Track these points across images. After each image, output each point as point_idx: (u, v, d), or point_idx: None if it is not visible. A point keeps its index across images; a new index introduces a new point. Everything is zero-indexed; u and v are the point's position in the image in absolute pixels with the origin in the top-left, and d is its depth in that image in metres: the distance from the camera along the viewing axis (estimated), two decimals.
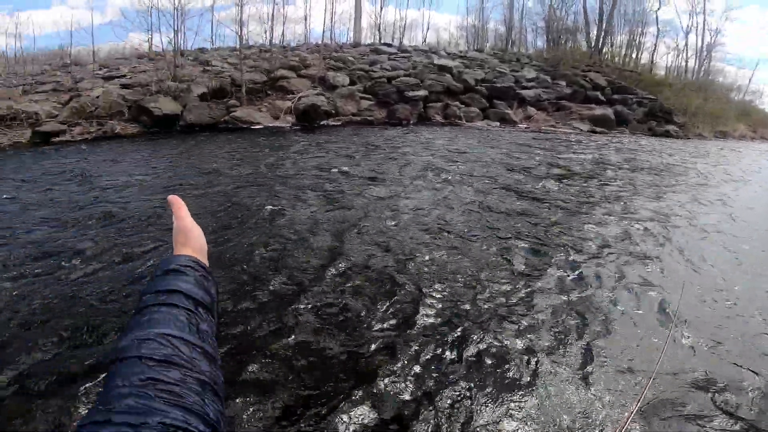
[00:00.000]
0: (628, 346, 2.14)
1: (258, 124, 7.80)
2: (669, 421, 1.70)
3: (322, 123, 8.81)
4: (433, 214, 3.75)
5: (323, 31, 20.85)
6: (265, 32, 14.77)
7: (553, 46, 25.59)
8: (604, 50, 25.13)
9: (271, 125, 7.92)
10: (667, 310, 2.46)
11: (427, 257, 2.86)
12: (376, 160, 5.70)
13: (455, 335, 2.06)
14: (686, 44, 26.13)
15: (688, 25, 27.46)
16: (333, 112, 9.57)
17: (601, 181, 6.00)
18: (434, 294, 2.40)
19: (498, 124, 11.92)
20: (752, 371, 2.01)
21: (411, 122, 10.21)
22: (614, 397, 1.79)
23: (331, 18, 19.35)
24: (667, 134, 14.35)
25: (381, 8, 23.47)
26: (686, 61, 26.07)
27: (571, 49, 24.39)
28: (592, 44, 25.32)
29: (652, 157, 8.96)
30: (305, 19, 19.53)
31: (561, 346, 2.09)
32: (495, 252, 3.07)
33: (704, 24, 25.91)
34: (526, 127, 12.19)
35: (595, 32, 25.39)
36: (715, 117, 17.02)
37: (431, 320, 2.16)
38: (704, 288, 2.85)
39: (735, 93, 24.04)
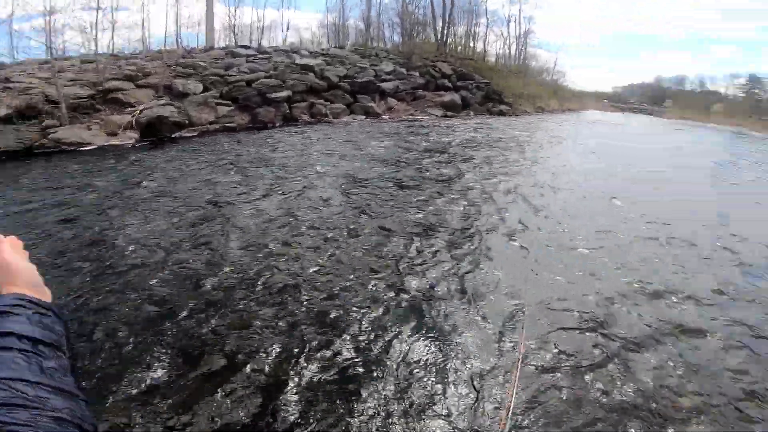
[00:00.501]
0: (487, 338, 2.34)
1: (89, 144, 6.78)
2: (544, 405, 1.88)
3: (174, 135, 8.13)
4: (305, 213, 4.00)
5: (165, 37, 18.79)
6: (88, 41, 12.62)
7: (408, 40, 27.96)
8: (448, 41, 28.50)
9: (107, 144, 6.97)
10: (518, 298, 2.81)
11: (289, 258, 3.11)
12: (239, 167, 5.61)
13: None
14: (508, 32, 31.23)
15: (508, 15, 32.57)
16: (186, 122, 8.88)
17: (458, 156, 7.15)
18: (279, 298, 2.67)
19: (363, 117, 12.68)
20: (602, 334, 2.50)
21: (277, 124, 10.15)
22: (489, 393, 1.93)
23: (176, 22, 17.55)
24: (501, 113, 17.30)
25: (236, 9, 22.17)
26: (509, 48, 31.20)
27: (422, 42, 27.02)
28: (439, 36, 28.51)
29: (493, 132, 10.83)
30: (143, 25, 17.28)
31: (422, 346, 2.22)
32: (362, 248, 3.48)
33: (520, 13, 31.27)
34: (389, 118, 13.26)
35: (440, 25, 28.61)
36: (534, 96, 21.14)
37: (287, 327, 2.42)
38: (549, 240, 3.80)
39: (546, 74, 30.01)
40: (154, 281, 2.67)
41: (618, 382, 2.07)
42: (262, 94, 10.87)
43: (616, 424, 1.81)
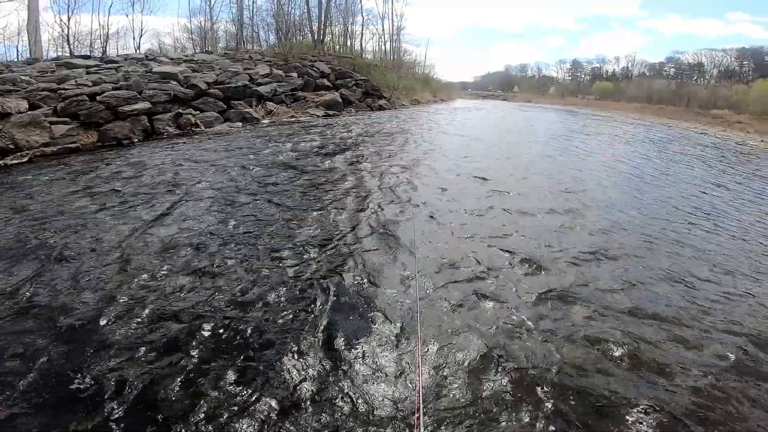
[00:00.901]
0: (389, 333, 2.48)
1: None
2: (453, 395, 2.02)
3: None
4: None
5: None
6: None
7: (284, 40, 27.40)
8: (325, 40, 28.81)
9: None
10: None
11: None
12: (78, 206, 4.88)
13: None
14: (383, 29, 32.99)
15: (382, 12, 34.23)
16: (11, 147, 7.43)
17: (342, 152, 7.42)
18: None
19: (241, 124, 12.19)
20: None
21: (135, 140, 9.13)
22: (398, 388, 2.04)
23: None
24: (381, 108, 18.36)
25: (69, 17, 18.83)
26: (385, 44, 33.06)
27: (299, 43, 26.81)
28: (316, 36, 28.59)
29: (380, 125, 11.46)
30: None
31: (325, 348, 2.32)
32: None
33: (392, 10, 33.23)
34: (269, 123, 12.99)
35: (316, 24, 28.65)
36: (409, 89, 22.87)
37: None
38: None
39: (418, 68, 32.67)
40: None
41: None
42: (111, 108, 9.63)
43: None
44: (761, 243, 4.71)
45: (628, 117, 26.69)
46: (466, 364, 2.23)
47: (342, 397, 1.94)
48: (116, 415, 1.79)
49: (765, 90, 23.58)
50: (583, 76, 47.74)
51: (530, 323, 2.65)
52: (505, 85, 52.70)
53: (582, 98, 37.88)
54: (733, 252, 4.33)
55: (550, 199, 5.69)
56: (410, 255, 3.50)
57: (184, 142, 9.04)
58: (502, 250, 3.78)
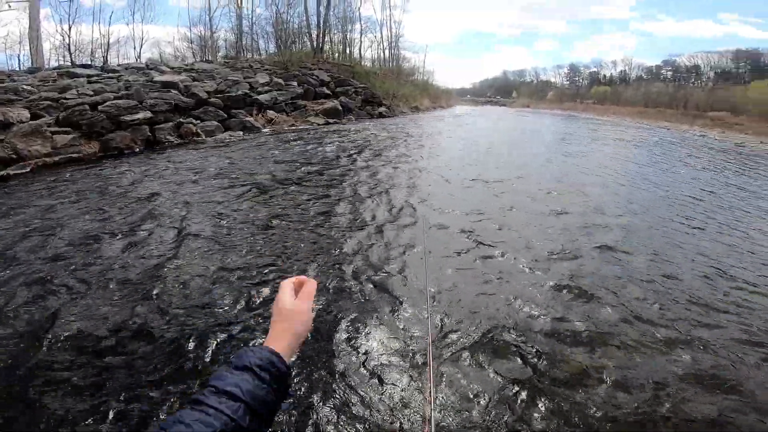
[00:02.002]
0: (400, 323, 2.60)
1: None
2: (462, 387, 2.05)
3: None
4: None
5: None
6: None
7: (283, 49, 27.59)
8: (325, 49, 29.01)
9: None
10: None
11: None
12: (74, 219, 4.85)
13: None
14: (382, 36, 33.20)
15: (381, 20, 34.43)
16: (13, 156, 7.44)
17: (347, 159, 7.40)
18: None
19: (242, 133, 12.22)
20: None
21: (137, 150, 9.15)
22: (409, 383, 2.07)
23: None
24: (381, 115, 18.43)
25: (70, 26, 19.05)
26: (383, 52, 33.25)
27: (298, 51, 27.01)
28: (315, 44, 28.80)
29: (383, 131, 11.48)
30: None
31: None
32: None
33: (390, 17, 33.48)
34: (270, 131, 13.03)
35: (315, 33, 28.87)
36: (408, 96, 22.99)
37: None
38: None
39: (417, 75, 32.88)
40: None
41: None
42: (113, 117, 9.66)
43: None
44: None
45: (628, 121, 26.84)
46: None
47: None
48: None
49: (763, 91, 23.64)
50: (581, 80, 48.07)
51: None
52: (503, 91, 53.05)
53: (581, 102, 38.09)
54: None
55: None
56: None
57: (185, 151, 9.05)
58: None
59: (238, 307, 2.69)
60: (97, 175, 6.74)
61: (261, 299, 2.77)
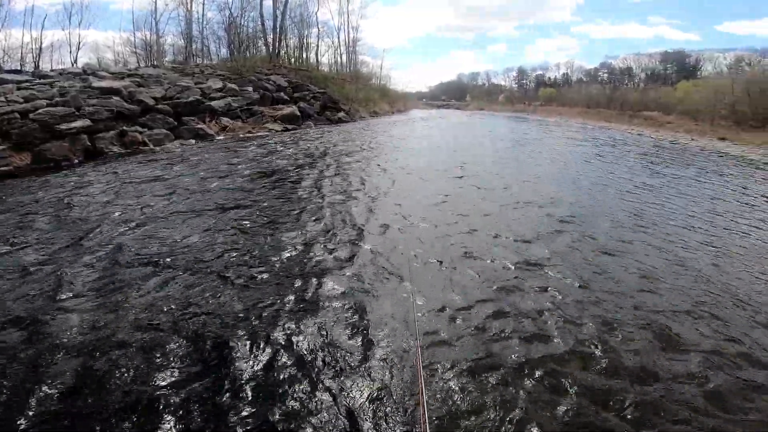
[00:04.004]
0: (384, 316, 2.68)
1: None
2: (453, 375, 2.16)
3: None
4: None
5: None
6: None
7: (237, 54, 26.74)
8: (281, 53, 28.46)
9: None
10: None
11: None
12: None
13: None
14: (339, 41, 33.04)
15: (338, 25, 34.23)
16: None
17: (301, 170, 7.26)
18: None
19: (194, 141, 11.73)
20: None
21: (76, 161, 8.50)
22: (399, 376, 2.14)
23: None
24: (340, 120, 18.42)
25: None
26: (341, 56, 33.14)
27: (253, 56, 26.31)
28: (271, 49, 28.17)
29: (338, 136, 11.40)
30: None
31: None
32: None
33: (348, 22, 33.30)
34: (224, 139, 12.60)
35: (271, 37, 28.20)
36: (367, 101, 23.17)
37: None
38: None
39: (375, 79, 33.19)
40: None
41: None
42: (47, 126, 8.92)
43: None
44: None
45: (573, 121, 28.67)
46: None
47: None
48: None
49: (688, 92, 26.17)
50: (528, 83, 50.95)
51: None
52: (458, 94, 55.01)
53: (529, 105, 40.42)
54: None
55: None
56: None
57: (128, 162, 8.37)
58: None
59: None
60: (25, 190, 6.05)
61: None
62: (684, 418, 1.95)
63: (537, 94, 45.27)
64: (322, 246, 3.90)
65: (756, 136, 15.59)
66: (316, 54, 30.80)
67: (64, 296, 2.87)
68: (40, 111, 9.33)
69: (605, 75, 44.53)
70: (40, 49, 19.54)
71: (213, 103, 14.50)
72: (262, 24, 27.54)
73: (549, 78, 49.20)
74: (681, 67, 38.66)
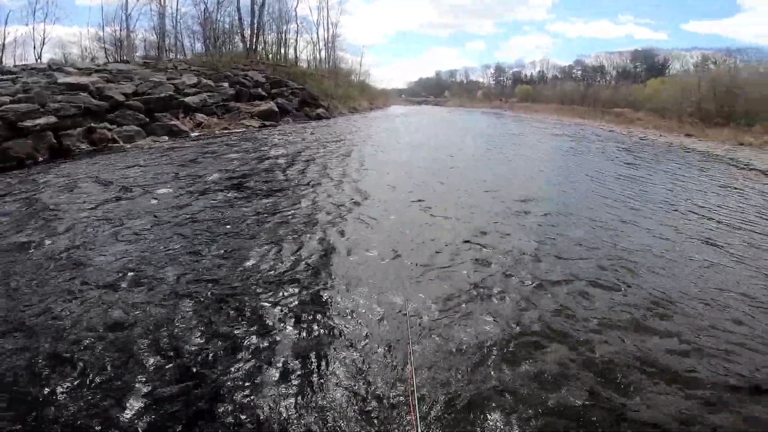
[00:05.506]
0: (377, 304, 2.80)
1: None
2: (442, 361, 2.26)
3: None
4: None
5: None
6: None
7: (213, 49, 26.08)
8: (258, 49, 27.93)
9: None
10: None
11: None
12: None
13: None
14: (318, 37, 32.59)
15: (317, 20, 33.67)
16: None
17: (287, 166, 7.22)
18: None
19: (167, 138, 11.45)
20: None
21: (41, 159, 8.20)
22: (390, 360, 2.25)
23: None
24: (319, 117, 18.32)
25: None
26: (320, 53, 32.73)
27: (229, 51, 25.75)
28: (248, 44, 27.59)
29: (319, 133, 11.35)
30: None
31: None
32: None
33: (327, 18, 32.87)
34: (198, 135, 12.36)
35: (249, 32, 27.60)
36: (347, 97, 23.10)
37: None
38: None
39: (354, 75, 33.04)
40: None
41: None
42: (10, 123, 8.55)
43: None
44: None
45: (550, 118, 29.34)
46: None
47: None
48: None
49: (657, 89, 27.17)
50: (505, 80, 51.85)
51: None
52: (437, 91, 55.50)
53: (506, 101, 41.20)
54: None
55: None
56: None
57: (95, 162, 8.00)
58: None
59: None
60: None
61: None
62: None
63: (514, 90, 46.13)
64: (289, 257, 3.65)
65: (720, 133, 16.35)
66: (295, 50, 30.43)
67: None
68: (2, 107, 8.94)
69: (579, 72, 45.76)
70: (3, 45, 18.68)
71: (187, 99, 14.18)
72: (239, 19, 27.03)
73: (525, 75, 50.22)
74: (650, 65, 40.03)
